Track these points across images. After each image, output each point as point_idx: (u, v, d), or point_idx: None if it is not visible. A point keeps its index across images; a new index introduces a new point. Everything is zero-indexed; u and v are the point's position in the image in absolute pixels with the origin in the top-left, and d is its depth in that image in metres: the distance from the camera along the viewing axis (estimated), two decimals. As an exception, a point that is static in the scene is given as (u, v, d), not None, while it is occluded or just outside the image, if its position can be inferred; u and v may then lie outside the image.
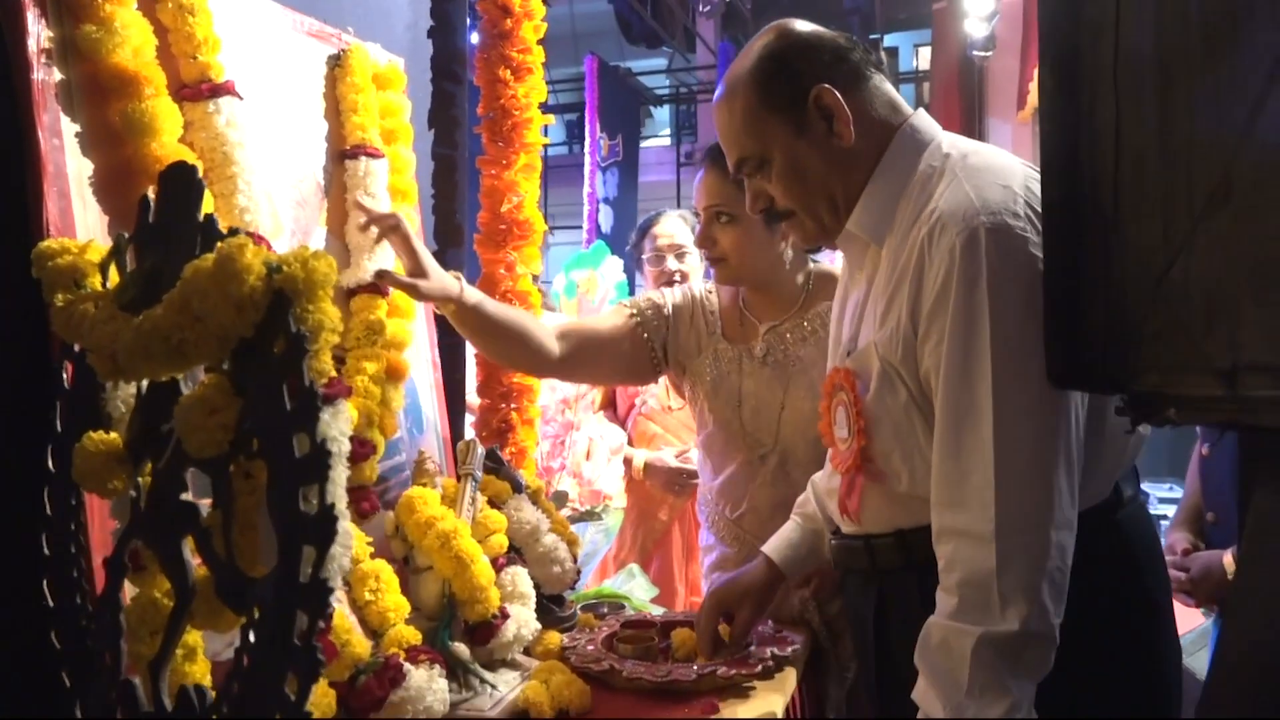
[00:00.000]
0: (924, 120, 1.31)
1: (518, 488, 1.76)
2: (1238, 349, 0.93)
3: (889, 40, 12.94)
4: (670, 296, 1.97)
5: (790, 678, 1.56)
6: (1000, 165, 1.22)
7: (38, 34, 1.18)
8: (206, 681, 0.99)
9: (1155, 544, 1.31)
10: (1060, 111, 1.05)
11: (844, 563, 1.44)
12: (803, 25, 1.33)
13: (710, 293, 1.99)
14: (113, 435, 0.97)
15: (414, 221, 1.88)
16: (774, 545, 1.63)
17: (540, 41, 2.24)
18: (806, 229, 1.34)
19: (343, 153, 1.72)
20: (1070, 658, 1.13)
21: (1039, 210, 1.13)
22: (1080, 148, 1.03)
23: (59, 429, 1.05)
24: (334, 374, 0.85)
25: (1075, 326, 1.07)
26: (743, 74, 1.31)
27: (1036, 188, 1.15)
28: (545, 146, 2.36)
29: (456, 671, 1.40)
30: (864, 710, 1.62)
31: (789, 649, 1.59)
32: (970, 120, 9.50)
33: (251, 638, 0.81)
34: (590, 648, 1.60)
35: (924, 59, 13.11)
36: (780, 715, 1.44)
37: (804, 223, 1.33)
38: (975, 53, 7.91)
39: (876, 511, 1.31)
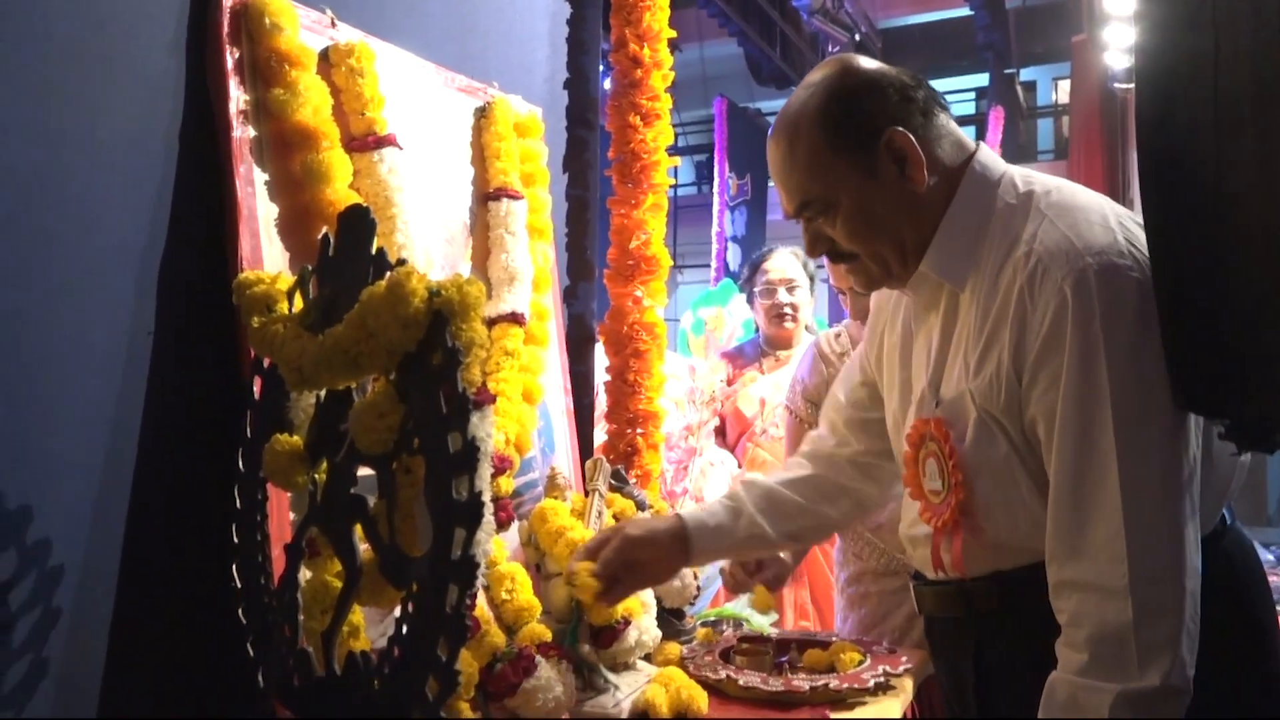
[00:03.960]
0: (988, 155, 1.26)
1: (641, 506, 1.87)
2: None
3: (1026, 74, 12.63)
4: (809, 382, 2.35)
5: (903, 694, 1.60)
6: (1087, 203, 1.19)
7: (237, 98, 1.38)
8: (368, 655, 1.12)
9: (1258, 567, 1.28)
10: (1159, 144, 1.09)
11: (932, 609, 1.36)
12: (868, 62, 1.26)
13: (837, 336, 2.34)
14: (295, 438, 1.13)
15: (549, 258, 2.03)
16: (692, 510, 1.55)
17: (671, 85, 2.36)
18: (871, 274, 1.28)
19: (486, 195, 1.89)
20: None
21: (1138, 246, 1.12)
22: (1180, 179, 1.06)
23: (249, 435, 1.22)
24: (482, 384, 0.98)
25: (1181, 355, 1.08)
26: (808, 113, 1.22)
27: (1128, 223, 1.15)
28: (674, 187, 2.51)
29: (582, 670, 1.51)
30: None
31: (901, 667, 1.63)
32: (1112, 153, 9.17)
33: (410, 608, 0.94)
34: (708, 658, 1.69)
35: (1063, 92, 12.76)
36: (890, 728, 1.48)
37: (868, 268, 1.27)
38: (1116, 85, 7.68)
39: (974, 559, 1.25)
